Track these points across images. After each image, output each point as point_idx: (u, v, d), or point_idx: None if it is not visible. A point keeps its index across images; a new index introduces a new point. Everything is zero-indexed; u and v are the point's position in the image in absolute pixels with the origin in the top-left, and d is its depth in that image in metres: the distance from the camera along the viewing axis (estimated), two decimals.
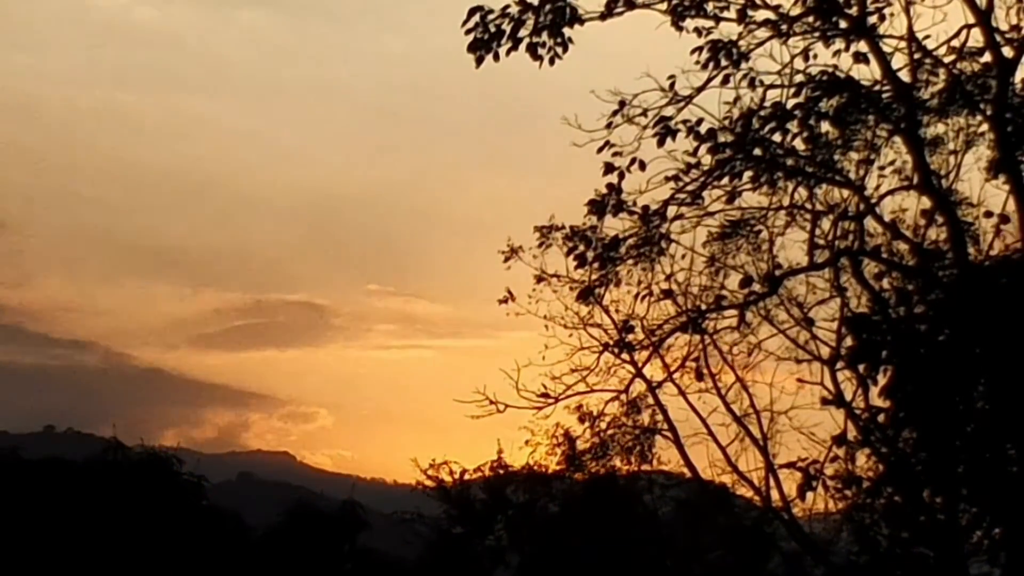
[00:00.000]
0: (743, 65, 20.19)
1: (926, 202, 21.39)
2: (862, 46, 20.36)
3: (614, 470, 26.59)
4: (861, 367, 18.96)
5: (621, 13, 20.44)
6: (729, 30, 20.27)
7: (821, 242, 21.71)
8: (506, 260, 24.36)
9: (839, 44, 20.32)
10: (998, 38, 20.20)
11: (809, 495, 20.55)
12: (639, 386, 24.64)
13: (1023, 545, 17.26)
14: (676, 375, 24.36)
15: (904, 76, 20.58)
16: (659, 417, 25.32)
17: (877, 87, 20.51)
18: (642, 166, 20.59)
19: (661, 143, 20.29)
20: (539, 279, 23.92)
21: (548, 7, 20.25)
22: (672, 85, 20.24)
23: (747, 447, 23.97)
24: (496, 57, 20.32)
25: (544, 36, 20.31)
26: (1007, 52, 20.17)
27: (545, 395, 24.06)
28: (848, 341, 20.00)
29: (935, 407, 17.16)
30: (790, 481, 22.75)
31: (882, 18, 20.36)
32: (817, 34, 20.29)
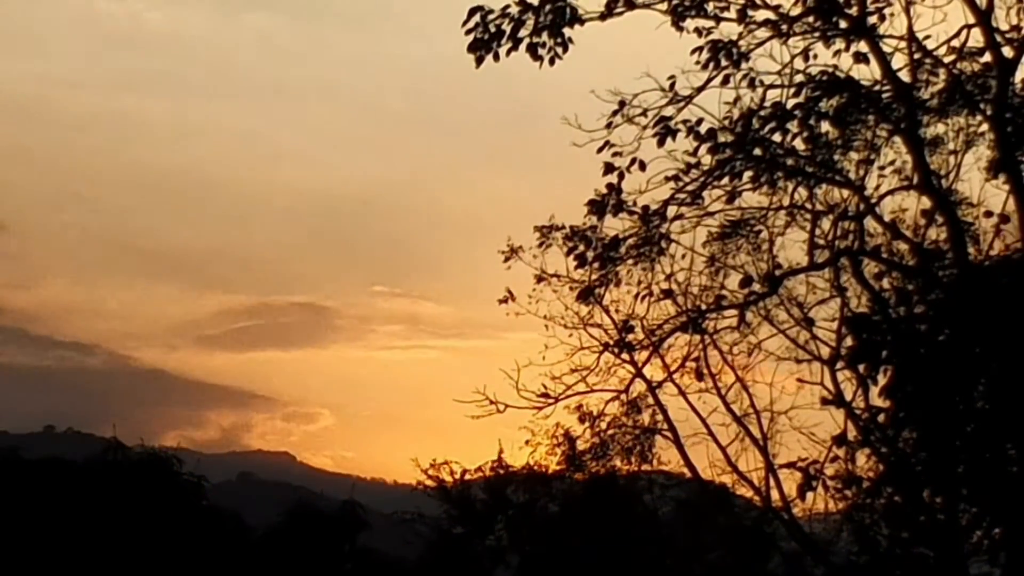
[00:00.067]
0: (743, 65, 20.20)
1: (926, 202, 21.40)
2: (862, 46, 20.36)
3: (614, 470, 26.59)
4: (861, 367, 18.96)
5: (621, 13, 20.45)
6: (729, 30, 20.30)
7: (821, 242, 21.72)
8: (506, 260, 24.39)
9: (839, 44, 20.33)
10: (998, 38, 20.20)
11: (809, 495, 20.56)
12: (639, 386, 24.68)
13: (1023, 545, 17.26)
14: (676, 375, 24.38)
15: (904, 76, 20.59)
16: (659, 417, 25.33)
17: (877, 87, 20.51)
18: (642, 166, 20.59)
19: (661, 143, 20.30)
20: (539, 279, 23.94)
21: (548, 7, 20.25)
22: (672, 85, 20.25)
23: (747, 447, 23.99)
24: (496, 57, 20.33)
25: (544, 36, 20.31)
26: (1007, 52, 20.18)
27: (545, 395, 24.07)
28: (848, 341, 20.00)
29: (935, 407, 17.16)
30: (790, 481, 22.79)
31: (882, 18, 20.36)
32: (817, 34, 20.29)
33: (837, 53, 20.33)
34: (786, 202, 21.76)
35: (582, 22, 20.36)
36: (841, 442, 20.21)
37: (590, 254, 21.94)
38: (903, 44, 20.58)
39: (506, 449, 29.87)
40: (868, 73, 20.46)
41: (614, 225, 21.50)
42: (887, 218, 21.73)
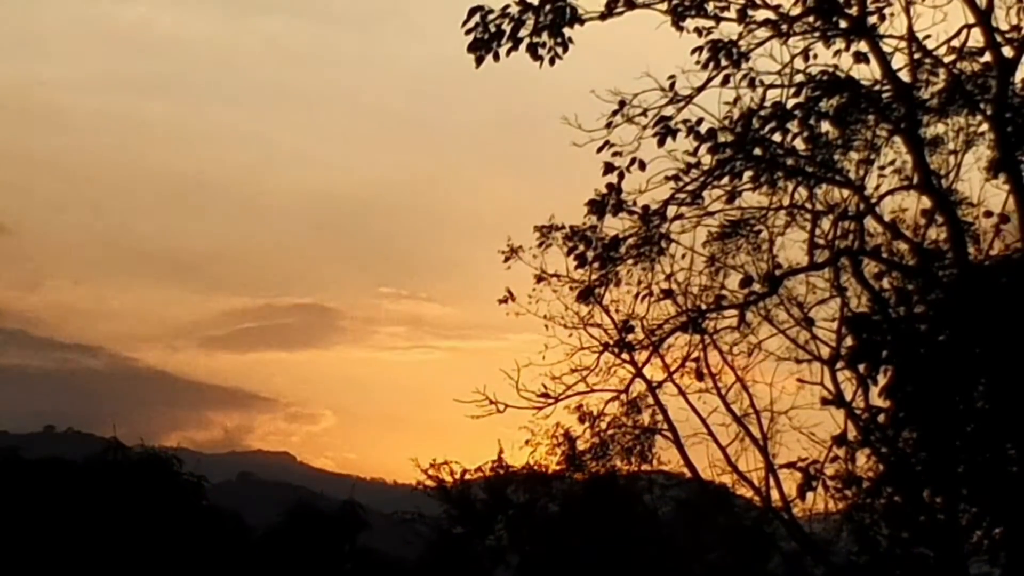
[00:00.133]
0: (743, 65, 20.19)
1: (926, 202, 21.40)
2: (862, 46, 20.35)
3: (614, 470, 26.60)
4: (861, 367, 18.95)
5: (621, 13, 20.44)
6: (729, 30, 20.29)
7: (821, 242, 21.71)
8: (506, 260, 24.40)
9: (839, 44, 20.32)
10: (998, 38, 20.20)
11: (809, 495, 20.55)
12: (639, 386, 24.68)
13: (1023, 545, 17.25)
14: (676, 375, 24.38)
15: (904, 76, 20.58)
16: (659, 417, 25.34)
17: (877, 87, 20.50)
18: (642, 166, 20.59)
19: (661, 143, 20.30)
20: (539, 279, 23.94)
21: (548, 7, 20.24)
22: (672, 85, 20.24)
23: (747, 447, 23.99)
24: (496, 57, 20.32)
25: (544, 36, 20.30)
26: (1007, 52, 20.17)
27: (545, 395, 24.06)
28: (848, 341, 19.99)
29: (935, 407, 17.15)
30: (790, 481, 22.78)
31: (882, 18, 20.36)
32: (817, 34, 20.29)
33: (837, 53, 20.34)
34: (786, 202, 21.77)
35: (582, 22, 20.36)
36: (841, 442, 20.20)
37: (590, 254, 21.93)
38: (903, 44, 20.58)
39: (506, 449, 29.91)
40: (868, 73, 20.48)
41: (614, 225, 21.52)
42: (887, 218, 21.73)
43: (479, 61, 20.31)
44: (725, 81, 20.19)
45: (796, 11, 20.20)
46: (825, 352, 22.44)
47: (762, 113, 20.17)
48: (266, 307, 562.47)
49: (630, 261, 22.16)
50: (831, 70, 20.27)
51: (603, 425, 25.27)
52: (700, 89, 20.24)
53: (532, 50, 20.28)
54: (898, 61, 20.56)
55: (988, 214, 21.34)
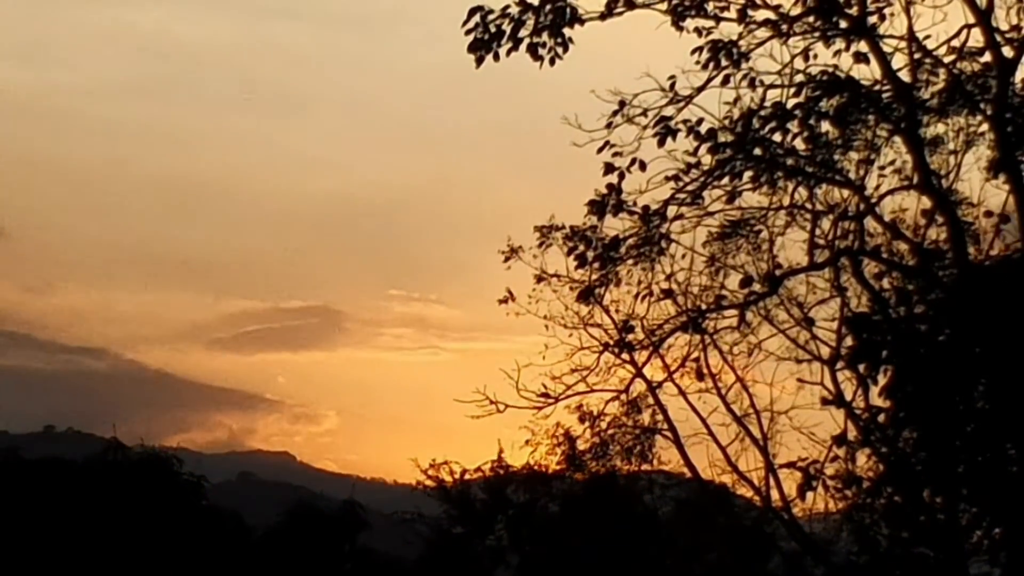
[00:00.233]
0: (743, 65, 20.19)
1: (926, 202, 21.39)
2: (862, 46, 20.35)
3: (614, 470, 26.59)
4: (861, 367, 18.95)
5: (621, 13, 20.44)
6: (729, 30, 20.29)
7: (821, 242, 21.71)
8: (506, 260, 24.40)
9: (839, 44, 20.32)
10: (998, 38, 20.19)
11: (809, 495, 20.56)
12: (639, 386, 24.67)
13: (1023, 545, 17.26)
14: (676, 375, 24.37)
15: (904, 76, 20.58)
16: (659, 417, 25.33)
17: (877, 87, 20.50)
18: (642, 166, 20.58)
19: (661, 143, 20.29)
20: (539, 279, 23.95)
21: (548, 7, 20.25)
22: (672, 85, 20.24)
23: (747, 447, 23.98)
24: (496, 57, 20.33)
25: (544, 36, 20.31)
26: (1007, 52, 20.17)
27: (545, 395, 24.06)
28: (848, 341, 19.99)
29: (935, 407, 17.16)
30: (790, 481, 22.77)
31: (882, 18, 20.35)
32: (817, 34, 20.28)
33: (837, 53, 20.33)
34: (786, 202, 21.76)
35: (582, 22, 20.36)
36: (841, 442, 20.20)
37: (590, 254, 21.93)
38: (903, 44, 20.58)
39: (506, 449, 29.90)
40: (868, 73, 20.47)
41: (614, 225, 21.51)
42: (887, 218, 21.72)
43: (479, 61, 20.33)
44: (725, 81, 20.20)
45: (796, 11, 20.21)
46: (825, 352, 22.44)
47: (762, 113, 20.17)
48: (272, 310, 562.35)
49: (630, 261, 22.17)
50: (831, 70, 20.27)
51: (603, 425, 25.28)
52: (700, 89, 20.24)
53: (532, 50, 20.29)
54: (898, 61, 20.58)
55: (988, 214, 21.34)
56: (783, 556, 26.44)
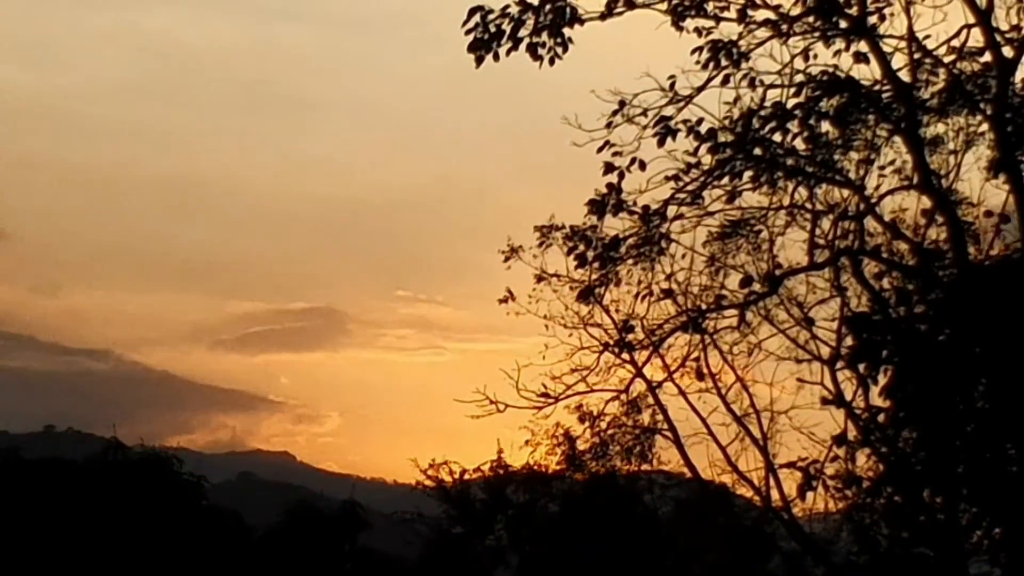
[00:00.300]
0: (743, 65, 20.19)
1: (926, 202, 21.39)
2: (862, 46, 20.35)
3: (614, 470, 26.59)
4: (861, 367, 18.95)
5: (621, 13, 20.44)
6: (729, 30, 20.29)
7: (821, 242, 21.71)
8: (506, 260, 24.40)
9: (839, 44, 20.32)
10: (998, 38, 20.20)
11: (809, 495, 20.55)
12: (639, 386, 24.67)
13: (1023, 545, 17.25)
14: (676, 375, 24.37)
15: (904, 76, 20.58)
16: (659, 417, 25.33)
17: (877, 87, 20.50)
18: (642, 166, 20.59)
19: (661, 143, 20.29)
20: (539, 279, 23.95)
21: (548, 7, 20.25)
22: (672, 85, 20.24)
23: (747, 447, 23.98)
24: (496, 57, 20.33)
25: (544, 36, 20.31)
26: (1007, 52, 20.17)
27: (545, 395, 24.06)
28: (848, 341, 19.99)
29: (935, 407, 17.15)
30: (790, 481, 22.78)
31: (882, 18, 20.36)
32: (817, 34, 20.28)
33: (837, 53, 20.33)
34: (786, 202, 21.77)
35: (582, 22, 20.36)
36: (841, 442, 20.20)
37: (590, 254, 21.94)
38: (903, 44, 20.58)
39: (506, 449, 29.89)
40: (868, 73, 20.48)
41: (614, 225, 21.52)
42: (887, 218, 21.72)
43: (479, 61, 20.33)
44: (725, 81, 20.20)
45: (796, 11, 20.21)
46: (825, 352, 22.44)
47: (762, 113, 20.17)
48: (276, 311, 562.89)
49: (630, 261, 22.17)
50: (831, 70, 20.27)
51: (603, 425, 25.28)
52: (700, 89, 20.25)
53: (532, 50, 20.29)
54: (898, 61, 20.59)
55: (988, 214, 21.33)
56: (783, 556, 26.43)
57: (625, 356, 23.91)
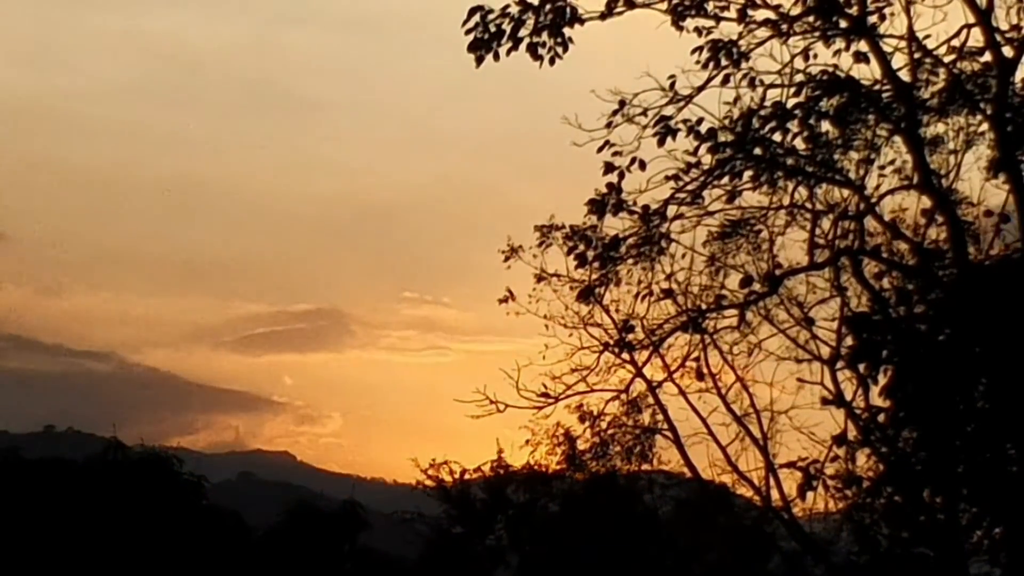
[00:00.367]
0: (743, 65, 20.19)
1: (926, 202, 21.38)
2: (862, 46, 20.34)
3: (614, 470, 26.58)
4: (861, 367, 18.94)
5: (621, 13, 20.44)
6: (729, 30, 20.28)
7: (821, 242, 21.70)
8: (506, 260, 24.39)
9: (839, 44, 20.31)
10: (998, 38, 20.19)
11: (809, 495, 20.53)
12: (639, 386, 24.66)
13: (1023, 545, 17.25)
14: (676, 375, 24.36)
15: (904, 76, 20.57)
16: (659, 417, 25.33)
17: (877, 87, 20.50)
18: (642, 166, 20.58)
19: (661, 143, 20.29)
20: (539, 279, 23.94)
21: (548, 7, 20.24)
22: (672, 85, 20.23)
23: (747, 447, 23.97)
24: (496, 57, 20.33)
25: (544, 36, 20.31)
26: (1007, 52, 20.16)
27: (545, 395, 24.05)
28: (848, 341, 19.98)
29: (935, 407, 17.15)
30: (790, 481, 22.77)
31: (882, 18, 20.35)
32: (817, 34, 20.28)
33: (837, 53, 20.33)
34: (786, 202, 21.76)
35: (582, 22, 20.36)
36: (841, 442, 20.19)
37: (590, 254, 21.93)
38: (903, 44, 20.57)
39: (506, 449, 29.91)
40: (868, 73, 20.47)
41: (614, 225, 21.51)
42: (887, 218, 21.71)
43: (479, 61, 20.33)
44: (725, 81, 20.20)
45: (796, 11, 20.20)
46: (825, 352, 22.43)
47: (762, 113, 20.17)
48: (279, 313, 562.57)
49: (630, 261, 22.16)
50: (831, 70, 20.27)
51: (603, 425, 25.27)
52: (700, 89, 20.24)
53: (532, 50, 20.29)
54: (898, 61, 20.57)
55: (988, 214, 21.32)
56: (783, 556, 26.44)
57: (625, 356, 23.90)
